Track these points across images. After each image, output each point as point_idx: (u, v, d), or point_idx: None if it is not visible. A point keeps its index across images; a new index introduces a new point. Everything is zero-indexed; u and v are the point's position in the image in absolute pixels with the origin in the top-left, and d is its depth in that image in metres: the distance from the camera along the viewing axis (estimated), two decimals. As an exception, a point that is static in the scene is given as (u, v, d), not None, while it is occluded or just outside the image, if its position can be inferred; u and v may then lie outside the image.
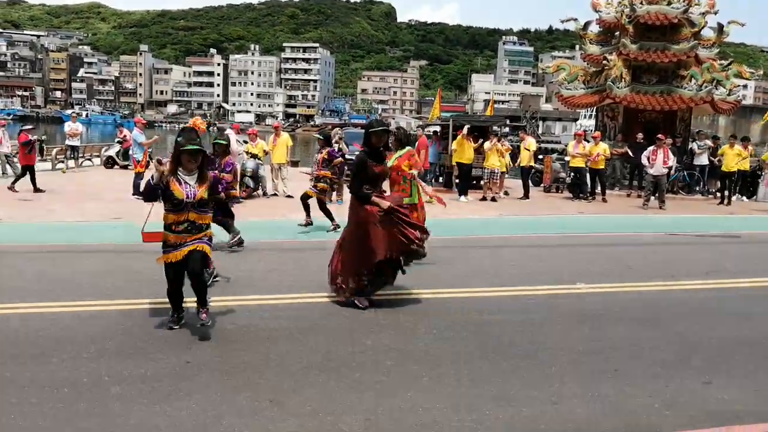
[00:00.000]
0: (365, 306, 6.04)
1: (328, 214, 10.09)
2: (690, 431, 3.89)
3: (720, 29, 19.76)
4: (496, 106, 36.02)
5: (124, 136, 20.54)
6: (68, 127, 19.70)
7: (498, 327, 5.75)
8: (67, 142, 19.85)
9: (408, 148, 8.01)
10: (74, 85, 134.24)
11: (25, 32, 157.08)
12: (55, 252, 8.39)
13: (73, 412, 3.86)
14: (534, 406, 4.15)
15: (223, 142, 8.95)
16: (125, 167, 19.65)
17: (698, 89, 18.41)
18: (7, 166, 17.46)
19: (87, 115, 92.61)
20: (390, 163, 7.35)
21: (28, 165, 14.43)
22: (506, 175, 16.73)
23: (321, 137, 11.11)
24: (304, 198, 10.31)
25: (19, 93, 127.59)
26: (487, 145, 15.63)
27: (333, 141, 14.85)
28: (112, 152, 22.02)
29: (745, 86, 41.42)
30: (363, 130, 6.76)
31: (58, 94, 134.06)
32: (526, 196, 16.34)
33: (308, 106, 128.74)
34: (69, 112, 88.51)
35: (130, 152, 15.31)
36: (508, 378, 4.62)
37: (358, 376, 4.55)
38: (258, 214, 12.03)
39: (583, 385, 4.51)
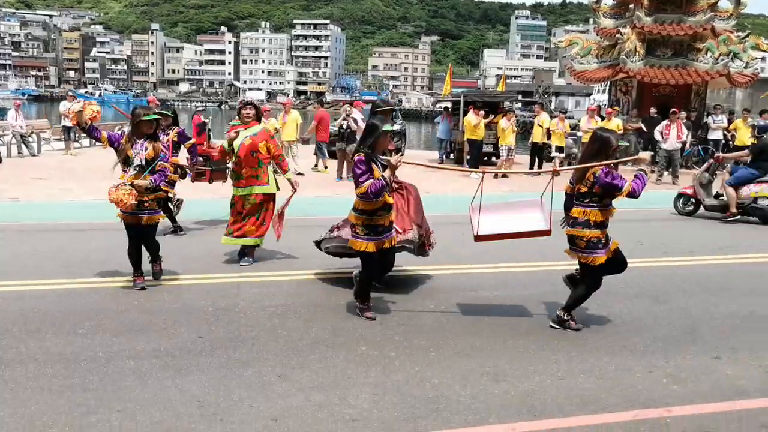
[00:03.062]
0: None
1: (171, 216, 8.23)
2: (696, 405, 3.92)
3: (737, 0, 19.34)
4: (508, 81, 35.64)
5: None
6: (64, 107, 17.96)
7: (507, 303, 5.80)
8: (63, 122, 18.50)
9: (263, 126, 6.99)
10: (87, 64, 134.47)
11: (37, 12, 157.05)
12: (72, 230, 8.51)
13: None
14: (540, 381, 4.19)
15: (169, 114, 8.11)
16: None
17: (714, 62, 18.09)
18: (22, 146, 17.64)
19: (100, 95, 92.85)
20: (240, 140, 6.64)
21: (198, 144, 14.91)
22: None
23: (168, 113, 8.46)
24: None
25: (33, 73, 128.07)
26: (504, 123, 15.54)
27: (341, 117, 14.87)
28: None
29: (763, 59, 40.58)
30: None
31: (71, 73, 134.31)
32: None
33: (319, 83, 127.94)
34: (82, 91, 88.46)
35: None
36: (517, 353, 4.66)
37: (365, 351, 4.61)
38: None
39: (589, 360, 4.55)
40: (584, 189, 4.91)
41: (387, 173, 4.95)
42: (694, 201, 10.73)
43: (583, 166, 5.00)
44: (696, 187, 10.59)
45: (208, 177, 8.58)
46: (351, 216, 5.16)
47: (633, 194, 4.84)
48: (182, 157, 8.72)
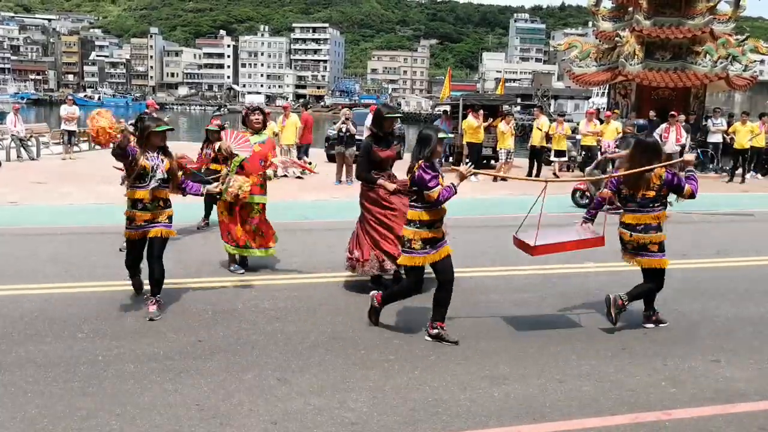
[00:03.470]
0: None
1: None
2: (695, 408, 3.92)
3: (736, 3, 19.35)
4: (507, 84, 35.70)
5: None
6: (64, 110, 18.32)
7: (506, 307, 5.80)
8: (63, 126, 18.35)
9: (267, 136, 6.91)
10: (86, 68, 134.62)
11: (36, 16, 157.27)
12: (71, 234, 8.51)
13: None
14: (540, 385, 4.19)
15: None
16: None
17: (713, 65, 18.11)
18: (22, 150, 17.63)
19: (99, 98, 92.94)
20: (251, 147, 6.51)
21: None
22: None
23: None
24: None
25: (32, 77, 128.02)
26: (503, 126, 15.57)
27: (341, 121, 14.90)
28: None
29: (762, 62, 40.66)
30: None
31: (70, 77, 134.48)
32: (536, 175, 16.23)
33: (318, 87, 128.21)
34: (81, 95, 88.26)
35: None
36: (517, 356, 4.66)
37: (364, 355, 4.61)
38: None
39: (588, 363, 4.55)
40: (652, 194, 5.05)
41: (456, 181, 4.77)
42: (588, 195, 11.32)
43: (625, 173, 5.15)
44: (587, 183, 11.26)
45: None
46: (407, 231, 4.83)
47: (692, 195, 5.07)
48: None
